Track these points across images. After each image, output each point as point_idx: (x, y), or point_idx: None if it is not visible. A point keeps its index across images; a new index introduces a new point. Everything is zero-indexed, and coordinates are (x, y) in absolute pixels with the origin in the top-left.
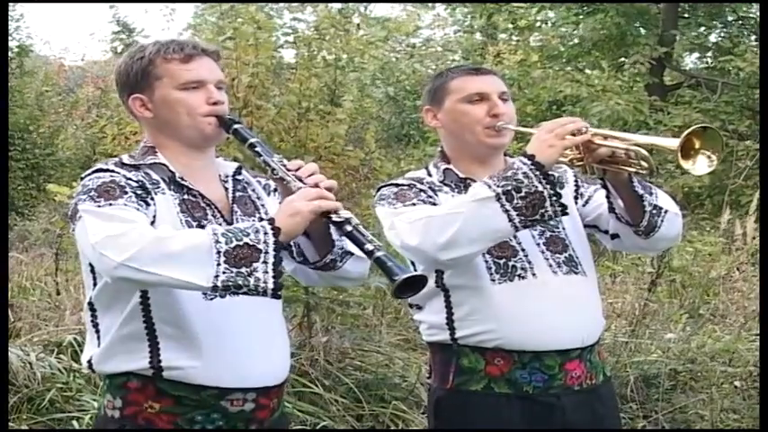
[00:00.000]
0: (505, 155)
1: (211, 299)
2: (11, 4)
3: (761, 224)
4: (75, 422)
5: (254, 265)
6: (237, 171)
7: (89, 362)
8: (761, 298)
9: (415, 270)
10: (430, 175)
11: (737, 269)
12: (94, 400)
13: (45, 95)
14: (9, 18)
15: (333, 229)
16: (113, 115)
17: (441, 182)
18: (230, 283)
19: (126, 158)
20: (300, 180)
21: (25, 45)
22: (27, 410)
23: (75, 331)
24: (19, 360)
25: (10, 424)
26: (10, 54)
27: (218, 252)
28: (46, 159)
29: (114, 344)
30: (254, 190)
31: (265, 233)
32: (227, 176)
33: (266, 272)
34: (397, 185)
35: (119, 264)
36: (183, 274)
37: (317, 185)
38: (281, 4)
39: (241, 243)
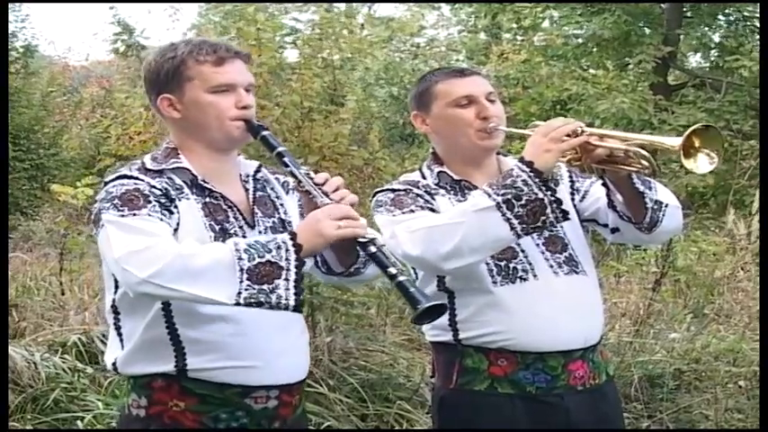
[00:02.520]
0: (498, 153)
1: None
2: (16, 4)
3: (761, 224)
4: (79, 422)
5: (276, 282)
6: (257, 170)
7: (113, 364)
8: (761, 298)
9: (417, 276)
10: (424, 177)
11: (742, 269)
12: (99, 400)
13: (50, 96)
14: (15, 18)
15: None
16: (117, 115)
17: (436, 185)
18: (252, 300)
19: (149, 162)
20: (326, 195)
21: (31, 45)
22: (31, 410)
23: (79, 331)
24: (23, 360)
25: (14, 424)
26: (16, 54)
27: (242, 270)
28: (50, 159)
29: (139, 348)
30: (272, 189)
31: (287, 250)
32: (247, 176)
33: (288, 288)
34: (393, 191)
35: (142, 280)
36: (205, 292)
37: (341, 200)
38: (285, 5)
39: (263, 260)
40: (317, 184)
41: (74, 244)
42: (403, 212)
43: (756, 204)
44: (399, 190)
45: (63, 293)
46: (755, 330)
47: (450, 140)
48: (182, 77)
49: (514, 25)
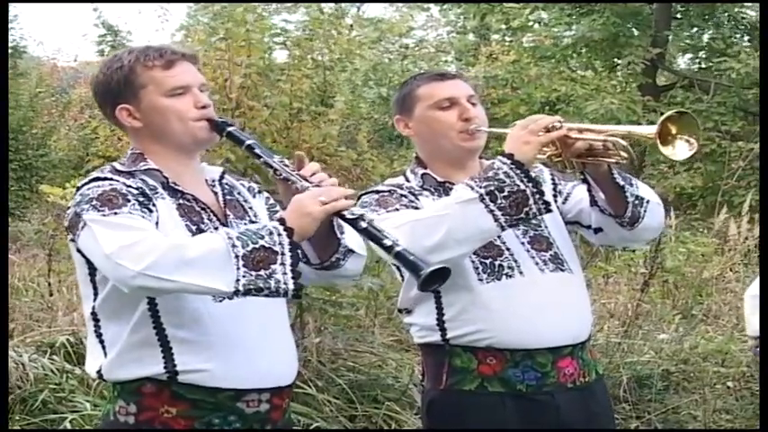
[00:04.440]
0: (480, 158)
1: (220, 300)
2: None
3: (761, 224)
4: (67, 423)
5: (273, 267)
6: (222, 176)
7: (98, 372)
8: (761, 298)
9: (402, 276)
10: (408, 180)
11: (730, 270)
12: (87, 401)
13: (38, 96)
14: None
15: (337, 225)
16: None
17: (420, 187)
18: (251, 287)
19: (118, 166)
20: (305, 179)
21: (19, 46)
22: (20, 411)
23: (67, 332)
24: (11, 361)
25: None
26: None
27: (237, 256)
28: (39, 160)
29: (125, 352)
30: (239, 193)
31: (279, 234)
32: (213, 181)
33: (285, 273)
34: (377, 192)
35: (137, 273)
36: (203, 281)
37: (319, 183)
38: (272, 6)
39: (257, 246)
40: (293, 171)
41: (62, 245)
42: (387, 211)
43: (746, 205)
44: (383, 191)
45: (51, 294)
46: (743, 331)
47: (432, 143)
48: (134, 85)
49: (503, 26)
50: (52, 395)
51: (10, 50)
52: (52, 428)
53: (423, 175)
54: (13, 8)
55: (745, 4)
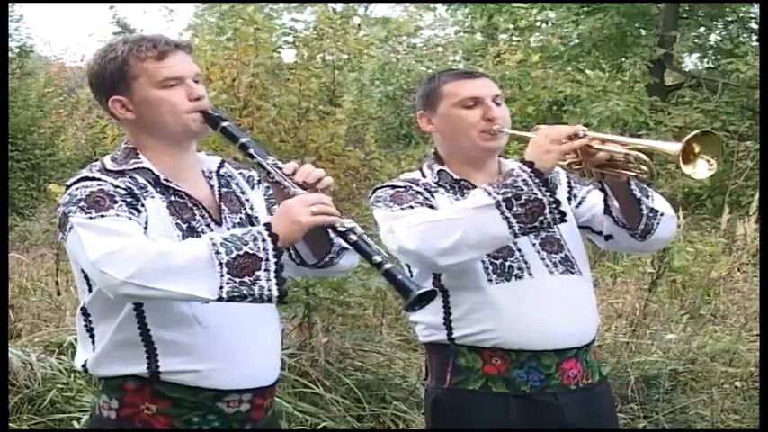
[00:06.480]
0: (499, 156)
1: (206, 302)
2: (11, 4)
3: (761, 224)
4: (75, 422)
5: (257, 273)
6: (220, 165)
7: (84, 366)
8: (761, 298)
9: (411, 274)
10: (424, 176)
11: (738, 269)
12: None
13: (46, 96)
14: (9, 19)
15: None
16: None
17: (436, 183)
18: (235, 294)
19: (109, 163)
20: (297, 184)
21: (26, 46)
22: (28, 411)
23: (75, 332)
24: (19, 360)
25: (11, 425)
26: (11, 55)
27: (220, 263)
28: (47, 160)
29: (109, 349)
30: (237, 184)
31: (263, 240)
32: (210, 172)
33: (269, 279)
34: (393, 187)
35: (122, 281)
36: (187, 289)
37: (316, 183)
38: (281, 5)
39: (241, 252)
40: (286, 175)
41: None
42: (402, 208)
43: (754, 205)
44: (399, 186)
45: (59, 294)
46: (751, 331)
47: (453, 141)
48: (127, 77)
49: (511, 26)
50: (60, 395)
51: (17, 51)
52: (60, 428)
53: (439, 171)
54: (20, 8)
55: (754, 4)
